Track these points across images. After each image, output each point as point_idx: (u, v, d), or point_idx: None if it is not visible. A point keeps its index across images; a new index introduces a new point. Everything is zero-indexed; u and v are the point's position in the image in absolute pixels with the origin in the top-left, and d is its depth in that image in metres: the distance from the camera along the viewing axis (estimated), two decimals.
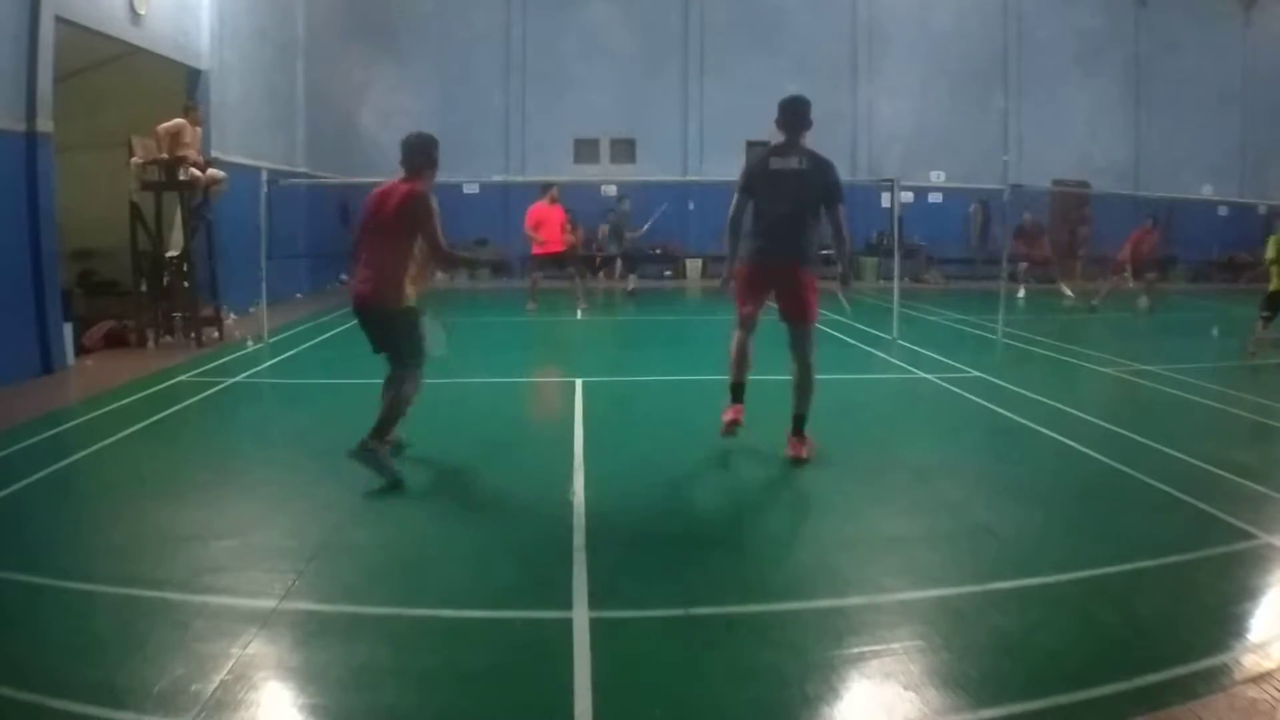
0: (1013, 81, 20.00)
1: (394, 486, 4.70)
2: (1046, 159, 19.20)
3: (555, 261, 13.61)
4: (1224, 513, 4.29)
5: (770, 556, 3.88)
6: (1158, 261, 14.80)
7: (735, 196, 5.40)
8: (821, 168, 5.33)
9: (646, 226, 15.86)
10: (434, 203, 5.00)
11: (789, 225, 5.27)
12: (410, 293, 5.18)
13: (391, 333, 5.03)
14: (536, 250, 13.25)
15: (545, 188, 13.43)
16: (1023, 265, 14.59)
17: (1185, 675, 2.80)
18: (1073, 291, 14.56)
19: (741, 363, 5.48)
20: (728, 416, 5.43)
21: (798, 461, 5.16)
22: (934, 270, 19.14)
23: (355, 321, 5.22)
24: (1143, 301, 14.14)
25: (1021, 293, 15.20)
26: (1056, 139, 19.74)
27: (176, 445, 5.88)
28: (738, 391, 5.49)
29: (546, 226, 13.11)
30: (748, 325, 5.45)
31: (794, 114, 5.48)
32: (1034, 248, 15.05)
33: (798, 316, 5.34)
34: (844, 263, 5.67)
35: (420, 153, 5.05)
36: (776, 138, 5.52)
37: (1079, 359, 9.19)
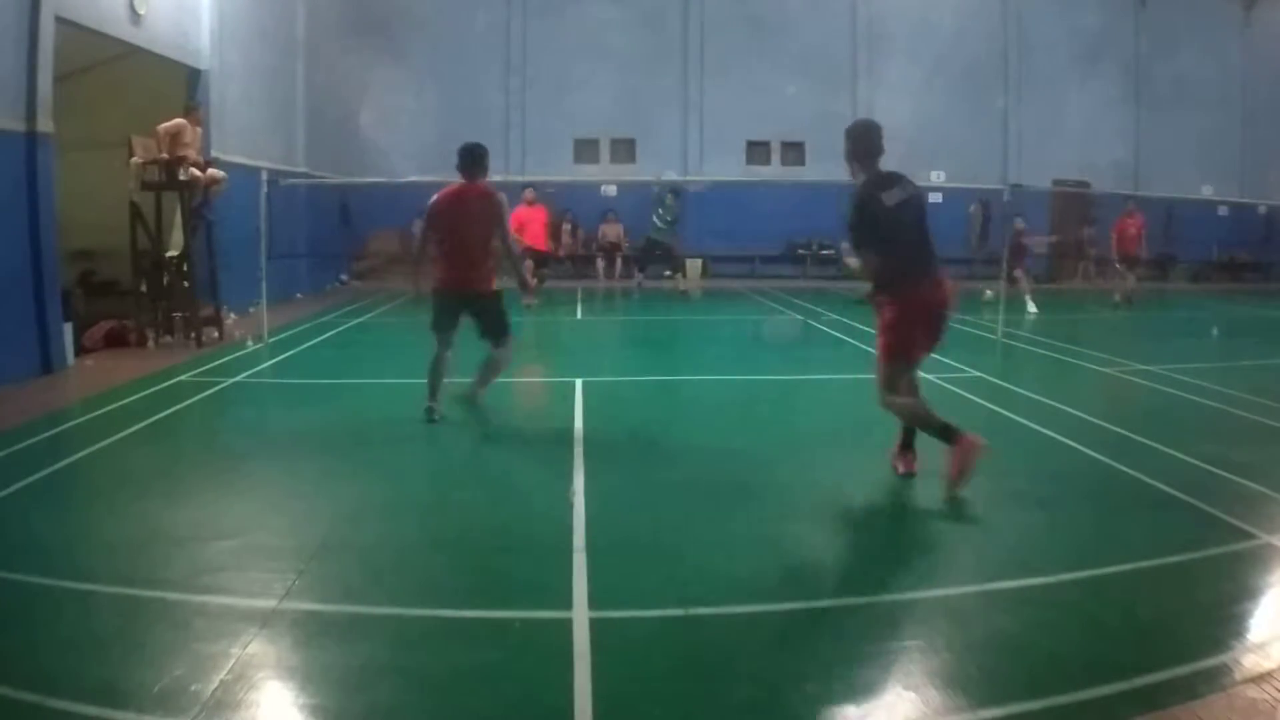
0: (1013, 81, 20.00)
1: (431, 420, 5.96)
2: (1046, 159, 19.22)
3: (535, 258, 13.59)
4: (1224, 513, 4.29)
5: (770, 556, 3.88)
6: (1140, 259, 14.79)
7: (867, 253, 4.75)
8: (921, 192, 4.95)
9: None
10: (505, 203, 6.14)
11: (924, 251, 4.85)
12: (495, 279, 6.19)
13: (485, 312, 6.11)
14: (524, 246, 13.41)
15: (529, 188, 13.69)
16: (1019, 273, 13.75)
17: (1185, 675, 2.79)
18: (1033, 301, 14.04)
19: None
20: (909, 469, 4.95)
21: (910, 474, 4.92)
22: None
23: (442, 303, 6.14)
24: (1118, 295, 14.26)
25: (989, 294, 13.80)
26: (1056, 139, 19.76)
27: (176, 445, 5.87)
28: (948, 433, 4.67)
29: (530, 226, 13.38)
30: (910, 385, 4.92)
31: (867, 138, 4.88)
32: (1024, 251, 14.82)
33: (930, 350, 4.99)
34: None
35: (478, 161, 6.11)
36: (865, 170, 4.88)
37: (1079, 359, 9.18)
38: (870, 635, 3.10)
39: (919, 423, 4.84)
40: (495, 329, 6.17)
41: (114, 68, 10.31)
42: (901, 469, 4.97)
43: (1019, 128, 19.97)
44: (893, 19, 19.81)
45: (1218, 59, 20.37)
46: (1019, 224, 13.87)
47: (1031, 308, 13.41)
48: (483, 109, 19.22)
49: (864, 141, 4.86)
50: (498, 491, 4.82)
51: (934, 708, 2.64)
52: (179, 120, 9.55)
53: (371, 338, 11.18)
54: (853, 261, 5.03)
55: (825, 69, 19.55)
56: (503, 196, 6.19)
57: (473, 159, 6.10)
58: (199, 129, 9.93)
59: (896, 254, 4.69)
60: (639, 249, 16.49)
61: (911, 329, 4.77)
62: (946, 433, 4.67)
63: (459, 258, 6.04)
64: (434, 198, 6.15)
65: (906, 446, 5.00)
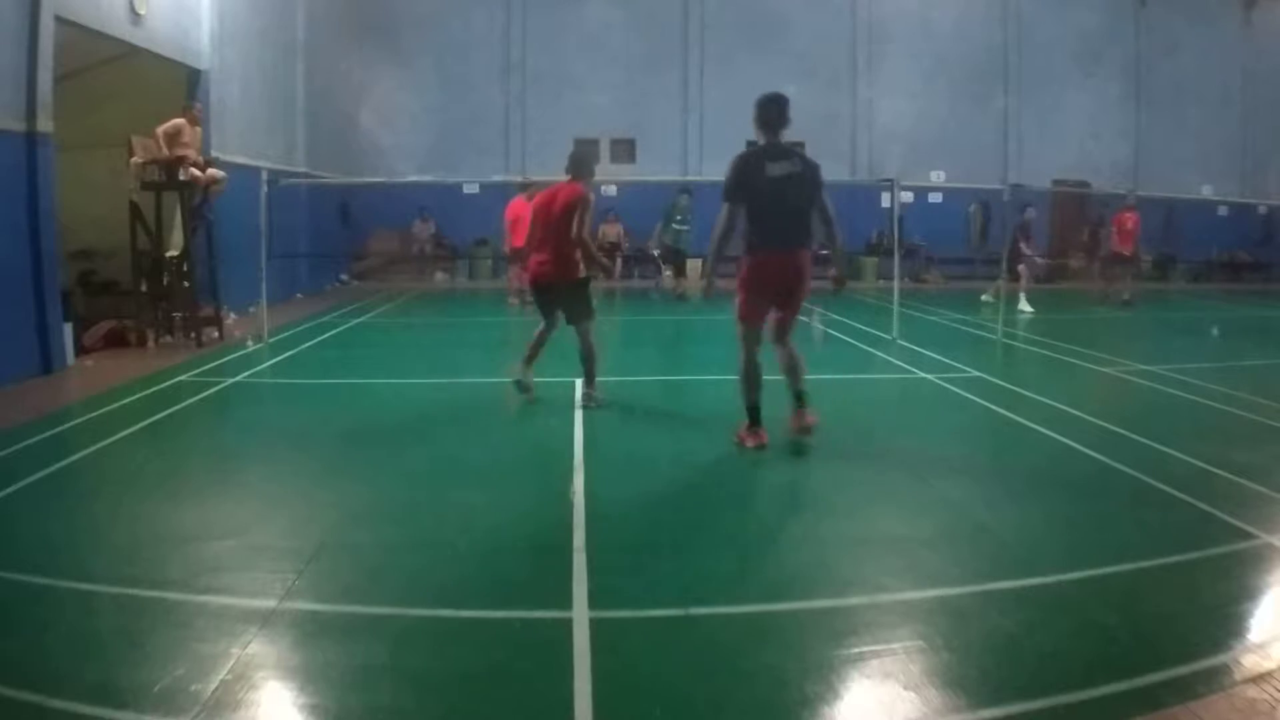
0: (1013, 81, 19.99)
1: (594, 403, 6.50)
2: (1046, 159, 19.23)
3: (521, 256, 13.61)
4: (1224, 512, 4.29)
5: (770, 556, 3.89)
6: (1134, 257, 14.79)
7: (729, 207, 5.30)
8: (813, 167, 5.41)
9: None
10: (591, 200, 6.54)
11: (793, 224, 5.34)
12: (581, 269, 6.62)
13: (572, 300, 6.58)
14: (513, 244, 13.41)
15: (523, 186, 13.52)
16: (1021, 267, 13.54)
17: (1185, 675, 2.80)
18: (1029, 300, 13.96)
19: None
20: (754, 441, 5.40)
21: (809, 431, 5.39)
22: (934, 270, 19.13)
23: (537, 297, 6.82)
24: (1126, 294, 14.27)
25: (1025, 303, 13.50)
26: (1056, 139, 19.76)
27: (176, 445, 5.87)
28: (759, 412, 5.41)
29: (520, 224, 13.20)
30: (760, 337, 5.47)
31: (772, 111, 5.40)
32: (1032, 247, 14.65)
33: (797, 308, 5.56)
34: (839, 259, 5.75)
35: (581, 163, 6.78)
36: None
37: (1078, 359, 9.19)
38: (870, 635, 3.09)
39: (743, 385, 5.47)
40: (575, 314, 6.63)
41: (114, 68, 10.31)
42: (794, 426, 5.46)
43: (1019, 127, 19.96)
44: (893, 19, 19.80)
45: (1218, 59, 20.35)
46: (1030, 214, 13.74)
47: (1026, 307, 13.25)
48: (483, 109, 19.24)
49: (766, 113, 5.41)
50: (498, 491, 4.82)
51: (934, 708, 2.64)
52: (178, 120, 9.55)
53: (372, 338, 11.19)
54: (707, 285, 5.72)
55: (826, 69, 19.55)
56: (590, 196, 6.59)
57: (575, 162, 6.78)
58: (198, 128, 9.92)
59: (764, 221, 5.25)
60: (662, 251, 16.33)
61: (761, 290, 5.39)
62: (752, 412, 5.42)
63: (542, 251, 6.61)
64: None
65: (798, 402, 5.49)
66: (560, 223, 6.45)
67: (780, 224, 5.26)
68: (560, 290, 6.60)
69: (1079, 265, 18.69)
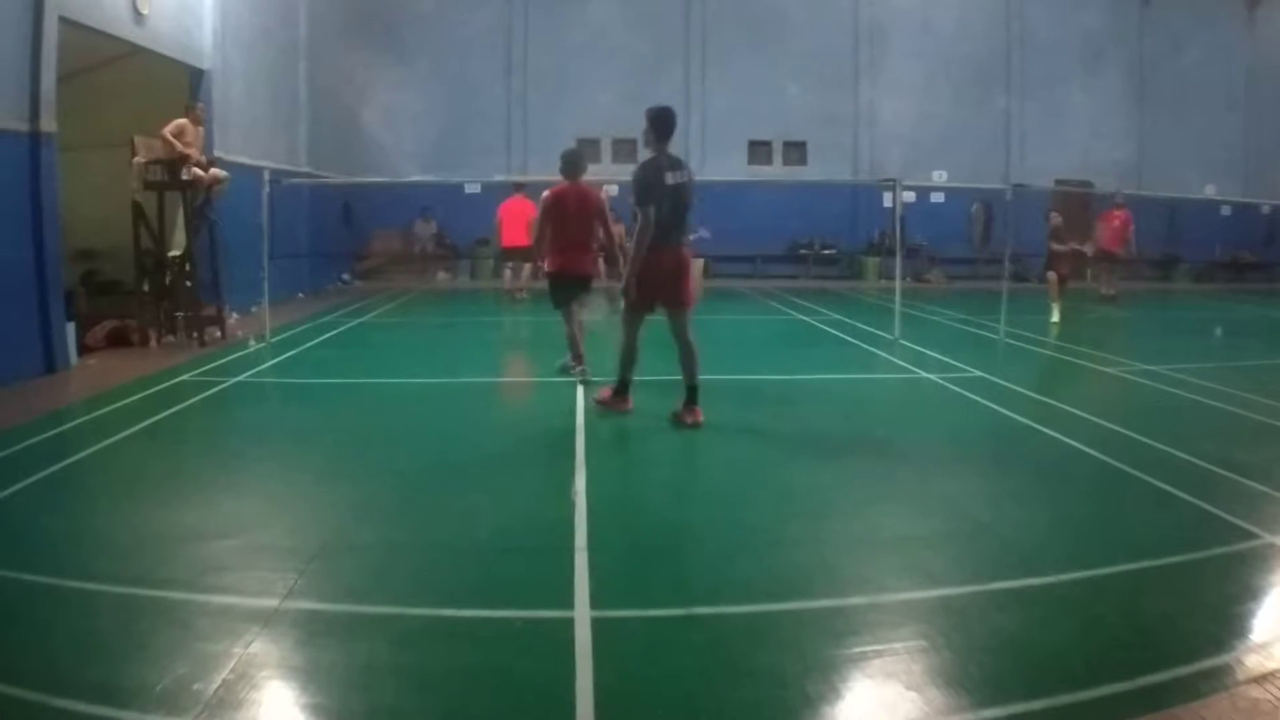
0: (1015, 81, 19.99)
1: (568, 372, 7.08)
2: (1049, 159, 19.21)
3: (519, 254, 13.81)
4: (1226, 512, 4.28)
5: (771, 556, 3.88)
6: (1120, 256, 14.75)
7: (649, 210, 5.85)
8: (692, 176, 6.19)
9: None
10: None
11: (681, 225, 6.13)
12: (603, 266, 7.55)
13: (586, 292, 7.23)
14: (503, 244, 13.99)
15: (518, 186, 14.10)
16: (1051, 275, 12.26)
17: (1188, 675, 2.79)
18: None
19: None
20: (624, 408, 6.27)
21: (696, 426, 5.88)
22: (936, 270, 19.13)
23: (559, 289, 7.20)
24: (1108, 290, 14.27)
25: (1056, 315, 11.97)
26: (1059, 139, 19.74)
27: (179, 445, 5.88)
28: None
29: (509, 220, 13.68)
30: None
31: (667, 123, 6.10)
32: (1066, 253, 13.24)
33: (685, 303, 6.12)
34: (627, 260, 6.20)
35: (575, 164, 7.16)
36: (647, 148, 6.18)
37: (1081, 359, 9.18)
38: (871, 635, 3.09)
39: (621, 361, 6.26)
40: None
41: (117, 68, 10.32)
42: (683, 420, 5.98)
43: (1021, 127, 19.95)
44: (894, 19, 19.80)
45: (1221, 58, 20.33)
46: (1055, 219, 12.62)
47: (1054, 316, 11.93)
48: (484, 108, 19.25)
49: (664, 125, 6.09)
50: (499, 491, 4.82)
51: (935, 708, 2.64)
52: (181, 120, 9.57)
53: (374, 337, 11.19)
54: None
55: (827, 69, 19.55)
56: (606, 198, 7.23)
57: (570, 161, 7.18)
58: (200, 128, 9.93)
59: (661, 223, 5.88)
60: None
61: (650, 282, 6.00)
62: (623, 385, 6.29)
63: (571, 248, 7.14)
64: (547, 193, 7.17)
65: (691, 397, 6.04)
66: (588, 223, 7.08)
67: (673, 225, 5.99)
68: (587, 284, 7.31)
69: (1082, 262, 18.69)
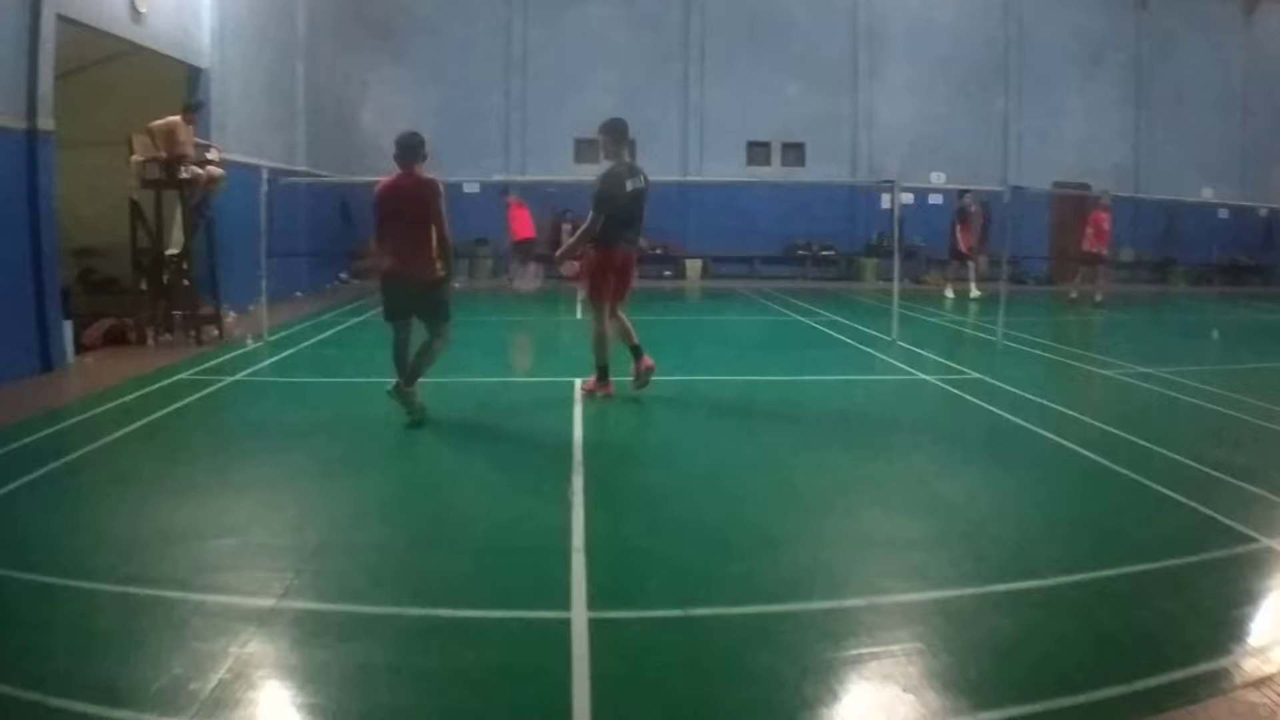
0: (1013, 83, 20.01)
1: (418, 424, 5.86)
2: (1046, 161, 19.23)
3: (525, 247, 15.17)
4: (1224, 516, 4.28)
5: (769, 557, 3.88)
6: (1101, 256, 14.84)
7: (600, 216, 6.49)
8: (649, 182, 6.85)
9: None
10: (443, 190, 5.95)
11: (636, 228, 6.83)
12: (439, 266, 6.04)
13: (426, 301, 6.04)
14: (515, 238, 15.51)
15: (503, 191, 15.74)
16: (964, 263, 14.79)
17: (1185, 679, 2.79)
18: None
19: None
20: (603, 391, 6.77)
21: (651, 371, 6.76)
22: (934, 272, 19.12)
23: (383, 295, 6.23)
24: (1074, 293, 14.39)
25: (950, 291, 15.47)
26: (1056, 141, 19.78)
27: (176, 443, 5.87)
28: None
29: (517, 219, 15.43)
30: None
31: (625, 133, 6.71)
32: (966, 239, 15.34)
33: (627, 292, 6.95)
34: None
35: (412, 149, 5.95)
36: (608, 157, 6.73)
37: (1078, 361, 9.19)
38: (869, 637, 3.09)
39: (595, 350, 6.81)
40: (430, 316, 6.12)
41: (115, 66, 10.30)
42: (636, 372, 6.77)
43: (1019, 129, 19.98)
44: (893, 20, 19.81)
45: (1218, 61, 20.36)
46: (968, 200, 15.09)
47: (975, 293, 14.21)
48: (483, 108, 19.24)
49: (622, 134, 6.70)
50: (496, 491, 4.82)
51: (932, 710, 2.63)
52: (172, 118, 9.54)
53: (371, 336, 11.15)
54: (565, 268, 7.13)
55: (826, 70, 19.56)
56: (440, 185, 5.92)
57: (405, 147, 5.92)
58: (191, 127, 9.90)
59: (619, 225, 6.58)
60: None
61: (605, 275, 6.69)
62: (602, 370, 6.81)
63: (398, 247, 5.94)
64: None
65: (636, 354, 6.81)
66: (413, 216, 5.85)
67: (628, 227, 6.71)
68: (415, 290, 5.98)
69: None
